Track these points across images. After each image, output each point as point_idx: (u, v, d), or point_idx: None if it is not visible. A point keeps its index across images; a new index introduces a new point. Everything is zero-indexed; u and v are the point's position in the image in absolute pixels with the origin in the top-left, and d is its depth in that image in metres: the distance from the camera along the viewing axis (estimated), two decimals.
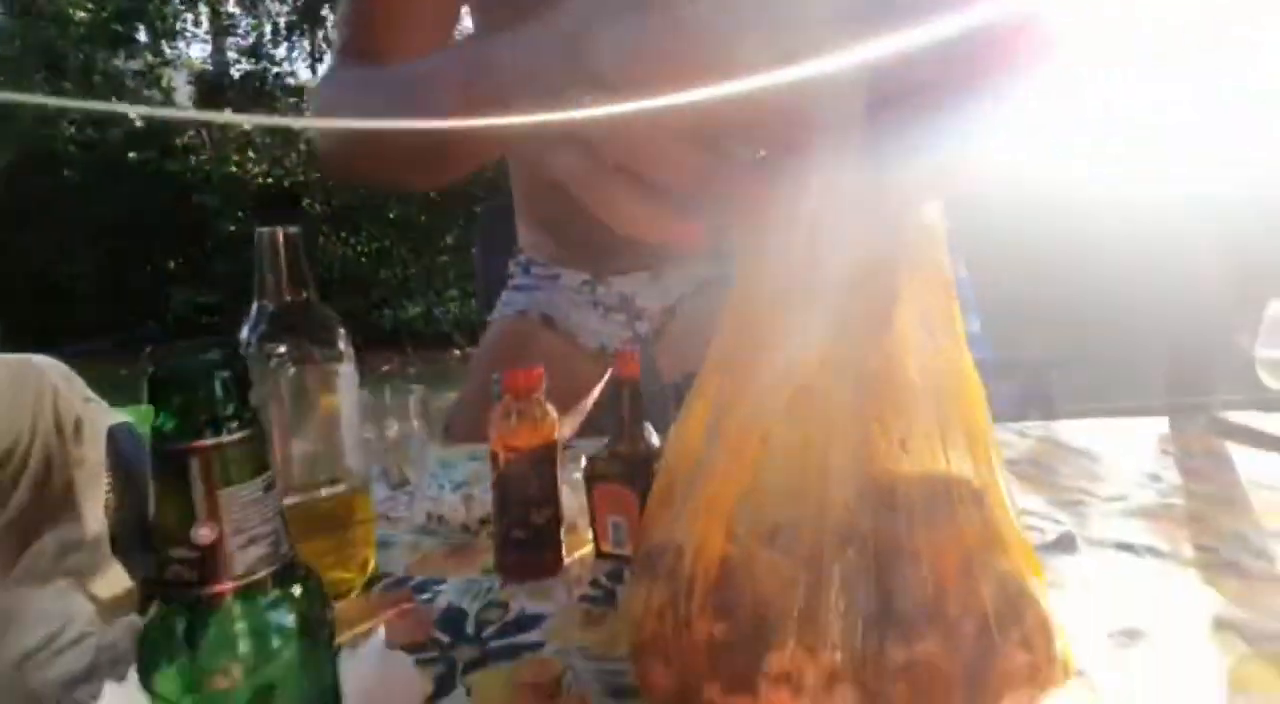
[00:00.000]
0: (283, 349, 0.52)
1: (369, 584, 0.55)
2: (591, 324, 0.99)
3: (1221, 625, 0.44)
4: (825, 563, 0.30)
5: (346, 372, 0.56)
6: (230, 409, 0.25)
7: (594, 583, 0.53)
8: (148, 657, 0.25)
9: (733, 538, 0.32)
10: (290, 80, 6.69)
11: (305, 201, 6.13)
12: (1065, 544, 0.50)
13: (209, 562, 0.24)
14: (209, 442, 0.24)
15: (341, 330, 0.55)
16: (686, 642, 0.32)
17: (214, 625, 0.25)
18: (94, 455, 1.28)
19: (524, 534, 0.54)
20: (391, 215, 6.19)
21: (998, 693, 0.30)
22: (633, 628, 0.35)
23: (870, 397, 0.32)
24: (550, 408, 0.55)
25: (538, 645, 0.45)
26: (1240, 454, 0.77)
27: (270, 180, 6.20)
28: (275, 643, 0.25)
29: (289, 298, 0.53)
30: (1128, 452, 0.78)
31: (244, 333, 0.52)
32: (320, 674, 0.27)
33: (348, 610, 0.51)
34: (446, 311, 6.17)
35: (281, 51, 6.81)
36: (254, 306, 0.52)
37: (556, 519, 0.55)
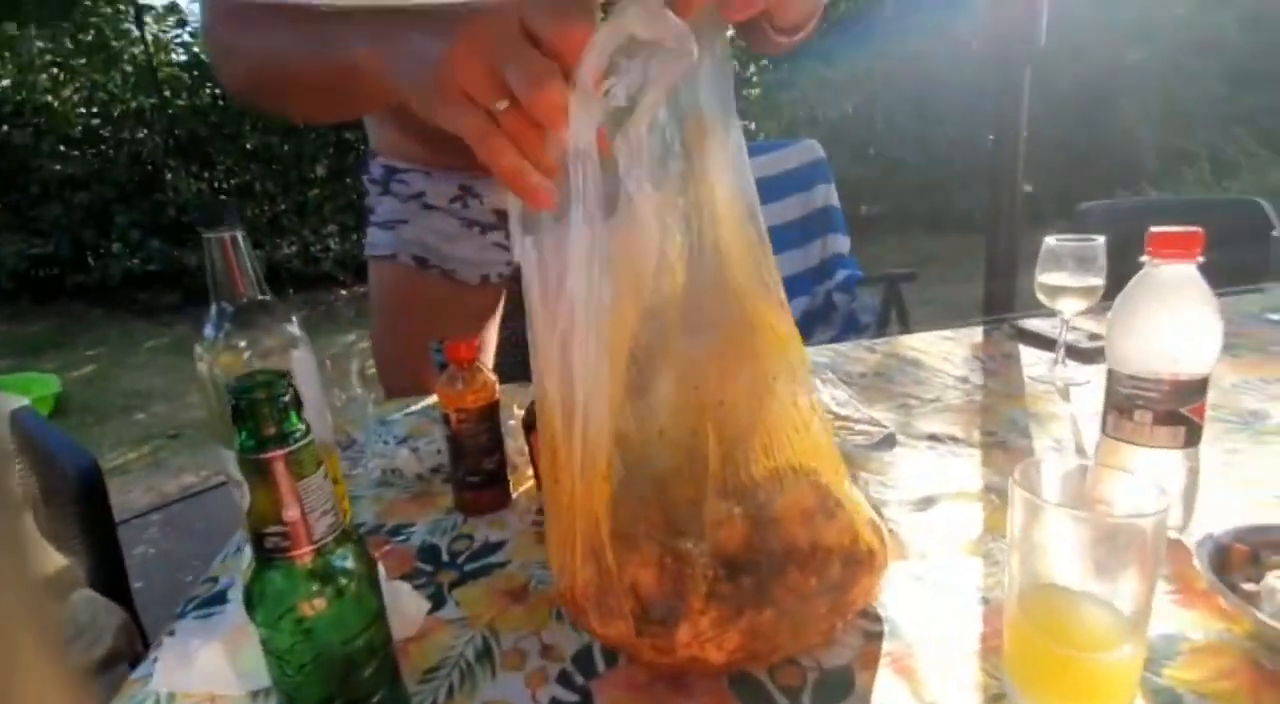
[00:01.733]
0: (243, 343, 0.59)
1: None
2: (468, 253, 0.97)
3: (987, 489, 0.63)
4: (710, 548, 0.42)
5: (301, 356, 0.63)
6: (294, 423, 0.34)
7: (539, 511, 0.66)
8: (256, 601, 0.35)
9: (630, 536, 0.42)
10: None
11: (144, 133, 5.46)
12: (886, 442, 0.68)
13: (295, 534, 0.34)
14: (285, 450, 0.33)
15: (294, 317, 0.62)
16: (613, 618, 0.42)
17: (302, 576, 0.35)
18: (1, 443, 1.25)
19: (478, 478, 0.65)
20: (249, 146, 5.66)
21: (845, 587, 0.44)
22: (564, 601, 0.46)
23: (733, 427, 0.43)
24: (488, 371, 0.66)
25: (504, 564, 0.58)
26: (1027, 353, 1.00)
27: (95, 112, 5.46)
28: (343, 581, 0.36)
29: (244, 296, 0.59)
30: (947, 359, 0.99)
31: (208, 332, 0.58)
32: (373, 601, 0.38)
33: None
34: (325, 249, 5.84)
35: None
36: (213, 307, 0.58)
37: (503, 462, 0.67)
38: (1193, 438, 0.51)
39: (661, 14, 0.35)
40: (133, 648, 1.09)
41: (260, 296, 0.60)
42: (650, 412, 0.45)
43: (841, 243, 2.21)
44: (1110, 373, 0.54)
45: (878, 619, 0.47)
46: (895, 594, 0.50)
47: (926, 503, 0.62)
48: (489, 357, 1.02)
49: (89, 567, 1.13)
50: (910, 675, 0.42)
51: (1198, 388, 0.50)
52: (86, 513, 1.06)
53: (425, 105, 0.41)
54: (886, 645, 0.45)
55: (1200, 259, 0.49)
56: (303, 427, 0.35)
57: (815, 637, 0.45)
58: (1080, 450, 0.70)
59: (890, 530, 0.57)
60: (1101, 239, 0.86)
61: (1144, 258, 0.51)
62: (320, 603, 0.35)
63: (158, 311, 5.45)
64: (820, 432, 0.46)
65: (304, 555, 0.35)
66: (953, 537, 0.56)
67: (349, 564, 0.36)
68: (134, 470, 2.74)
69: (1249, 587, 0.45)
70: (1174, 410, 0.50)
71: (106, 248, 5.54)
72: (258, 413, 0.33)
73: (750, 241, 0.44)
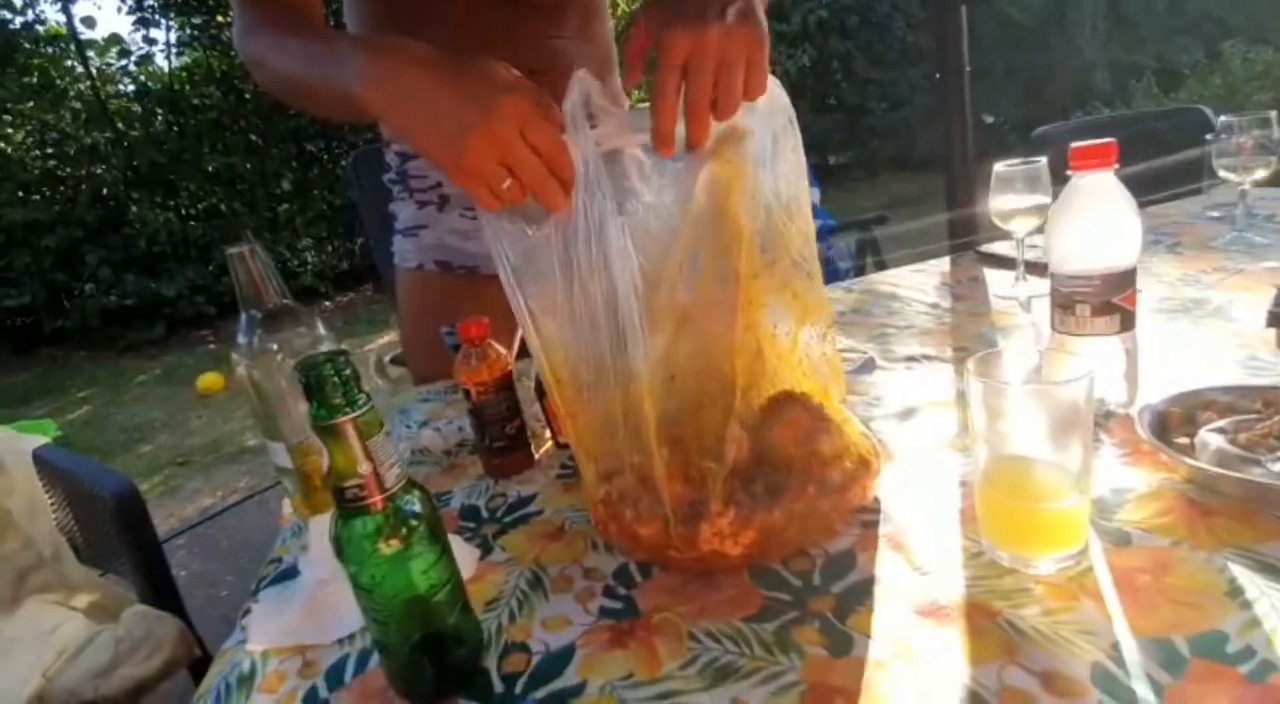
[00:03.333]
0: (275, 346, 0.64)
1: None
2: (487, 246, 1.05)
3: (960, 395, 0.70)
4: (726, 460, 0.49)
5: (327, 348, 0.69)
6: (357, 391, 0.40)
7: (562, 465, 0.72)
8: (344, 545, 0.41)
9: (666, 460, 0.50)
10: (40, 28, 5.60)
11: (101, 168, 5.39)
12: (866, 367, 0.74)
13: (369, 485, 0.40)
14: (354, 415, 0.39)
15: (318, 318, 0.67)
16: (650, 519, 0.50)
17: (379, 519, 0.41)
18: (22, 481, 1.31)
19: (503, 444, 0.71)
20: (210, 168, 5.60)
21: (844, 490, 0.52)
22: (599, 519, 0.54)
23: (746, 372, 0.50)
24: (499, 346, 0.72)
25: (539, 512, 0.64)
26: (991, 275, 1.07)
27: (50, 154, 5.37)
28: (413, 522, 0.42)
29: (269, 303, 0.64)
30: (918, 290, 1.06)
31: (241, 339, 0.63)
32: (440, 537, 0.44)
33: None
34: (303, 263, 5.82)
35: None
36: (242, 316, 0.64)
37: (523, 427, 0.73)
38: (1127, 323, 0.58)
39: (597, 86, 0.52)
40: (190, 653, 1.16)
41: (283, 301, 0.65)
42: (686, 352, 0.52)
43: (811, 195, 2.27)
44: (1052, 276, 0.60)
45: (874, 511, 0.54)
46: (887, 490, 0.57)
47: (908, 413, 0.69)
48: (518, 337, 1.06)
49: (139, 584, 1.19)
50: (904, 549, 0.49)
51: (1126, 279, 0.56)
52: (128, 532, 1.11)
53: (437, 164, 0.52)
54: (882, 530, 0.52)
55: (1116, 166, 0.55)
56: (365, 394, 0.40)
57: (819, 533, 0.52)
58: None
59: (879, 440, 0.64)
60: (1044, 160, 0.92)
61: (1069, 171, 0.57)
62: (397, 542, 0.42)
63: (142, 346, 5.44)
64: (824, 366, 0.54)
65: (378, 502, 0.41)
66: (933, 438, 0.63)
67: (417, 508, 0.43)
68: (150, 500, 2.77)
69: (1184, 441, 0.52)
70: (1108, 301, 0.57)
71: (81, 289, 5.49)
72: (326, 385, 0.39)
73: (779, 228, 0.52)
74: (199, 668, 1.14)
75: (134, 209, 5.42)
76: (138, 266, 5.50)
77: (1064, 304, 0.59)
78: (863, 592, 0.46)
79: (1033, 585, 0.44)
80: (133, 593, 1.22)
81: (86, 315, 5.41)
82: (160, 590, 1.16)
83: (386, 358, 1.17)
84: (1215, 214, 1.12)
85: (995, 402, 0.44)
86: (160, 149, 5.50)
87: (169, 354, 5.26)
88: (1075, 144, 0.55)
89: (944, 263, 1.18)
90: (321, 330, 0.67)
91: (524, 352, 1.05)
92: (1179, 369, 0.66)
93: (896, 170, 7.60)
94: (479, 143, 0.49)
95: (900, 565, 0.48)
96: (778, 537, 0.50)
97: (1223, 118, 0.98)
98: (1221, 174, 0.99)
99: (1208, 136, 1.05)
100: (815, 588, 0.47)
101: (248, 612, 0.57)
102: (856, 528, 0.53)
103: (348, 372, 0.40)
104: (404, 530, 0.42)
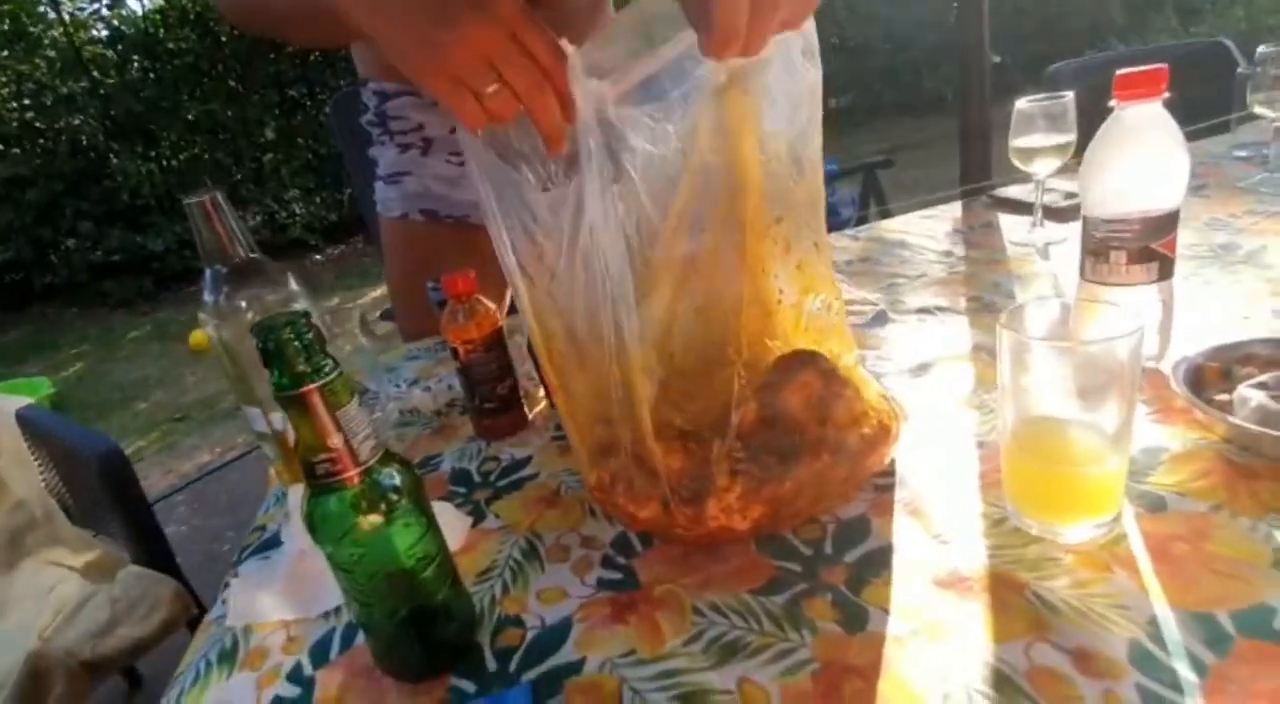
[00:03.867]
0: (244, 303, 0.60)
1: None
2: (475, 195, 0.98)
3: (977, 348, 0.67)
4: (731, 426, 0.45)
5: (301, 308, 0.64)
6: (322, 357, 0.36)
7: (558, 427, 0.69)
8: (317, 525, 0.38)
9: (664, 430, 0.46)
10: None
11: (79, 119, 5.20)
12: (879, 319, 0.70)
13: (341, 459, 0.37)
14: (319, 383, 0.35)
15: (290, 274, 0.63)
16: (647, 501, 0.46)
17: (355, 496, 0.38)
18: (8, 441, 1.27)
19: (494, 404, 0.68)
20: (190, 117, 5.40)
21: (861, 457, 0.48)
22: (599, 492, 0.50)
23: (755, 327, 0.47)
24: (488, 301, 0.67)
25: (534, 476, 0.61)
26: (1006, 220, 1.01)
27: (27, 105, 5.16)
28: (393, 497, 0.39)
29: (235, 257, 0.59)
30: (929, 237, 1.01)
31: (207, 297, 0.59)
32: (423, 512, 0.41)
33: None
34: (291, 215, 5.69)
35: None
36: (207, 272, 0.59)
37: (516, 386, 0.69)
38: (1165, 271, 0.53)
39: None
40: (188, 612, 1.15)
41: (250, 255, 0.60)
42: (688, 308, 0.48)
43: None
44: (1085, 220, 0.56)
45: (888, 474, 0.51)
46: (901, 451, 0.53)
47: (922, 369, 0.65)
48: (509, 291, 1.01)
49: (131, 545, 1.17)
50: (920, 515, 0.46)
51: (1168, 222, 0.52)
52: (116, 494, 1.09)
53: (411, 72, 0.46)
54: (898, 494, 0.49)
55: (1165, 95, 0.50)
56: (331, 360, 0.36)
57: (834, 501, 0.49)
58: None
59: (896, 400, 0.60)
60: (1070, 94, 0.86)
61: (1112, 102, 0.51)
62: (375, 519, 0.38)
63: (133, 301, 5.35)
64: (836, 322, 0.50)
65: (353, 478, 0.37)
66: (948, 394, 0.60)
67: (396, 481, 0.39)
68: (147, 456, 2.77)
69: (1222, 398, 0.49)
70: (1146, 247, 0.52)
71: (66, 245, 5.37)
72: (286, 352, 0.35)
73: (782, 176, 0.47)
74: (198, 625, 1.13)
75: (114, 160, 5.25)
76: (122, 220, 5.36)
77: (1096, 250, 0.54)
78: (878, 561, 0.43)
79: (1061, 555, 0.41)
80: (125, 554, 1.20)
81: (74, 271, 5.30)
82: (152, 551, 1.14)
83: (375, 314, 1.13)
84: (1243, 153, 1.06)
85: (1027, 358, 0.40)
86: (138, 97, 5.29)
87: (160, 310, 5.19)
88: (1120, 72, 0.50)
89: (954, 208, 1.13)
90: (294, 286, 0.63)
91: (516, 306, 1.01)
92: (1209, 319, 0.62)
93: (899, 114, 7.37)
94: (464, 39, 0.43)
95: (917, 533, 0.45)
96: (788, 507, 0.46)
97: (1261, 48, 0.91)
98: (1257, 109, 0.92)
99: (1240, 70, 0.98)
100: (826, 557, 0.45)
101: (227, 585, 0.54)
102: (869, 492, 0.50)
103: (310, 335, 0.35)
104: (384, 506, 0.38)
